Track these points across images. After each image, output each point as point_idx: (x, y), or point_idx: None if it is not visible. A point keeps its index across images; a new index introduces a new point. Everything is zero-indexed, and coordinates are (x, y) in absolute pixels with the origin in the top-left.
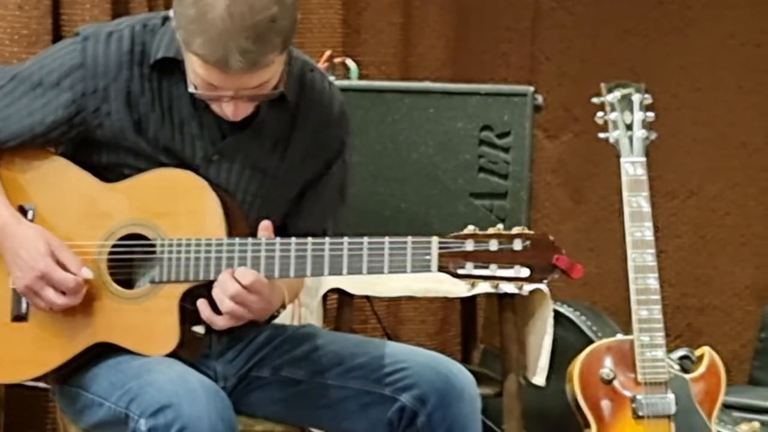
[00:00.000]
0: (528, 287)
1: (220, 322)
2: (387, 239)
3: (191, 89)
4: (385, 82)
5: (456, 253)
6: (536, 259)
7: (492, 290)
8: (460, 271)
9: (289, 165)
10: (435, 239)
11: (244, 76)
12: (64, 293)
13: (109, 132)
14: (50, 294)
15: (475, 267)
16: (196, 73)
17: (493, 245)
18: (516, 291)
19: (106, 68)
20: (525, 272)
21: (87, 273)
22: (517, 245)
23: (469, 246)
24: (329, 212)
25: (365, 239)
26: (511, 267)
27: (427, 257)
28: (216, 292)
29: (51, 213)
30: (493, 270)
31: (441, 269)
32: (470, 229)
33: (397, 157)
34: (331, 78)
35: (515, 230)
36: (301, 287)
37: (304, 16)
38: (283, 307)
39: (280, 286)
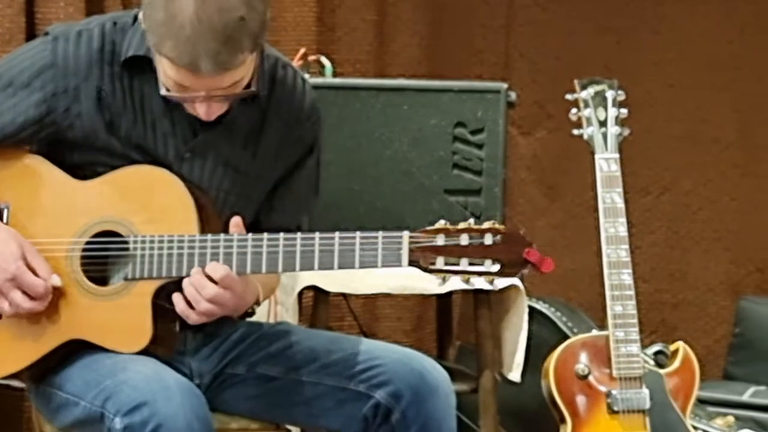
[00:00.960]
0: (499, 282)
1: (194, 317)
2: (358, 234)
3: (163, 92)
4: (359, 80)
5: (427, 248)
6: (507, 254)
7: (464, 285)
8: (431, 266)
9: (261, 161)
10: (406, 234)
11: (216, 78)
12: (31, 298)
13: (80, 132)
14: (17, 297)
15: (446, 262)
16: (167, 75)
17: (464, 240)
18: (488, 286)
19: (77, 68)
20: (496, 266)
21: (56, 280)
22: (488, 239)
23: (440, 240)
24: (303, 207)
25: (336, 234)
26: (482, 261)
27: (398, 252)
28: (190, 292)
29: (25, 211)
30: (464, 264)
31: (411, 263)
32: (441, 223)
33: (371, 154)
34: (306, 76)
35: (486, 225)
36: (277, 284)
37: (278, 14)
38: (258, 303)
39: (254, 282)
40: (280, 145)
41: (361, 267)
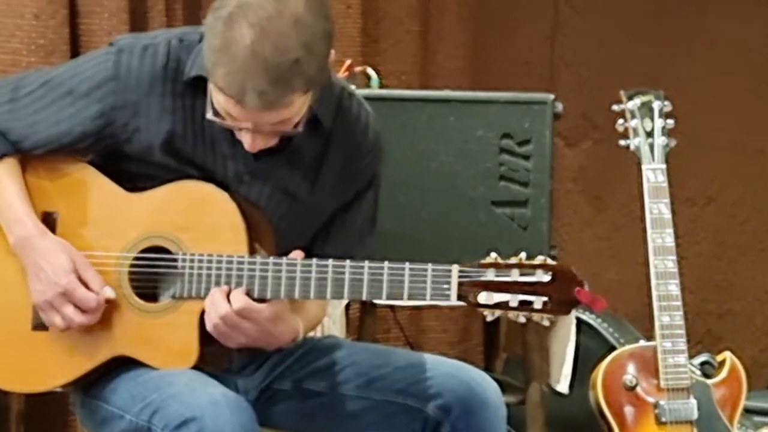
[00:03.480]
0: (547, 320)
1: (210, 327)
2: (407, 265)
3: (209, 115)
4: (405, 91)
5: (476, 283)
6: (557, 292)
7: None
8: (480, 301)
9: (319, 191)
10: (455, 268)
11: (262, 113)
12: (83, 311)
13: (138, 146)
14: (69, 311)
15: (495, 297)
16: (217, 100)
17: (515, 275)
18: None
19: (139, 83)
20: (545, 305)
21: (109, 292)
22: (539, 276)
23: (490, 275)
24: (357, 240)
25: (386, 264)
26: (532, 299)
27: (447, 287)
28: (206, 304)
29: (74, 221)
30: (513, 301)
31: (460, 298)
32: (492, 257)
33: (417, 166)
34: (352, 87)
35: (537, 260)
36: (322, 317)
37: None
38: (294, 341)
39: (295, 317)
40: (339, 176)
41: (409, 299)
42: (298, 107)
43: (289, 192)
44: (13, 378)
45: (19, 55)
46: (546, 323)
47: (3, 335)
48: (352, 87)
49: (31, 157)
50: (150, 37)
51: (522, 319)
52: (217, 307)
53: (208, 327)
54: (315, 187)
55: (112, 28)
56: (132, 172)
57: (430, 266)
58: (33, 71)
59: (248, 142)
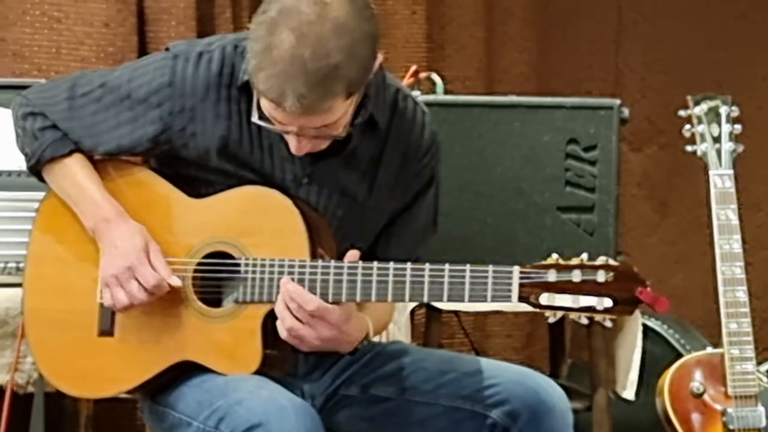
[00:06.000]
0: (610, 321)
1: (284, 334)
2: (468, 267)
3: (254, 118)
4: (470, 97)
5: (537, 284)
6: (620, 292)
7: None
8: (542, 302)
9: (377, 193)
10: (516, 269)
11: (303, 117)
12: (146, 291)
13: (195, 152)
14: (133, 287)
15: (557, 298)
16: (262, 104)
17: (576, 276)
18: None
19: (194, 89)
20: (608, 305)
21: (176, 281)
22: (601, 277)
23: (551, 276)
24: (420, 240)
25: (447, 266)
26: (594, 299)
27: (508, 288)
28: (279, 308)
29: None
30: (575, 302)
31: (521, 299)
32: (553, 258)
33: (483, 172)
34: (417, 93)
35: (599, 261)
36: (390, 318)
37: (388, 31)
38: (367, 339)
39: (364, 319)
40: (397, 177)
41: (470, 301)
42: (340, 112)
43: (347, 194)
44: (80, 383)
45: (89, 63)
46: (609, 324)
47: (69, 341)
48: (416, 92)
49: (94, 161)
50: (205, 44)
51: (584, 320)
52: (291, 310)
53: (282, 334)
54: (373, 188)
55: (179, 35)
56: (191, 177)
57: (491, 268)
58: (89, 71)
59: (294, 145)
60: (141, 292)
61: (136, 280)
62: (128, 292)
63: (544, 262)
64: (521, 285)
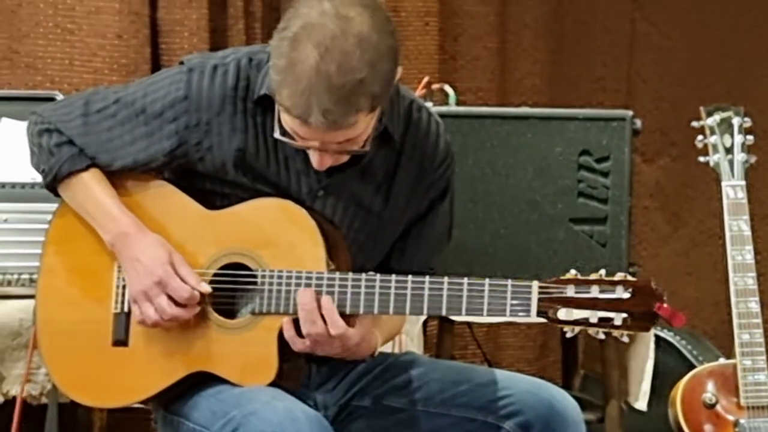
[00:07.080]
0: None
1: (300, 345)
2: (487, 281)
3: (277, 134)
4: (483, 108)
5: (556, 299)
6: (638, 307)
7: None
8: (560, 317)
9: (393, 204)
10: (535, 284)
11: (327, 132)
12: (176, 304)
13: (211, 165)
14: (163, 302)
15: (575, 313)
16: (284, 119)
17: (595, 291)
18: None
19: (210, 103)
20: (626, 321)
21: (206, 287)
22: (619, 292)
23: (570, 291)
24: (435, 251)
25: (465, 280)
26: (612, 315)
27: (527, 303)
28: (301, 317)
29: None
30: (593, 317)
31: (540, 314)
32: (572, 273)
33: (495, 183)
34: (429, 104)
35: (617, 276)
36: (400, 329)
37: (400, 42)
38: (372, 356)
39: (374, 334)
40: (412, 189)
41: (488, 315)
42: (364, 126)
43: (363, 206)
44: (94, 393)
45: (102, 74)
46: (626, 339)
47: (83, 351)
48: (429, 104)
49: (110, 174)
50: (220, 57)
51: (602, 336)
52: (317, 326)
53: (305, 331)
54: (389, 200)
55: (192, 47)
56: (207, 190)
57: (509, 282)
58: (103, 87)
59: (316, 160)
60: (172, 307)
61: (167, 295)
62: (158, 307)
63: (562, 278)
64: (540, 300)
